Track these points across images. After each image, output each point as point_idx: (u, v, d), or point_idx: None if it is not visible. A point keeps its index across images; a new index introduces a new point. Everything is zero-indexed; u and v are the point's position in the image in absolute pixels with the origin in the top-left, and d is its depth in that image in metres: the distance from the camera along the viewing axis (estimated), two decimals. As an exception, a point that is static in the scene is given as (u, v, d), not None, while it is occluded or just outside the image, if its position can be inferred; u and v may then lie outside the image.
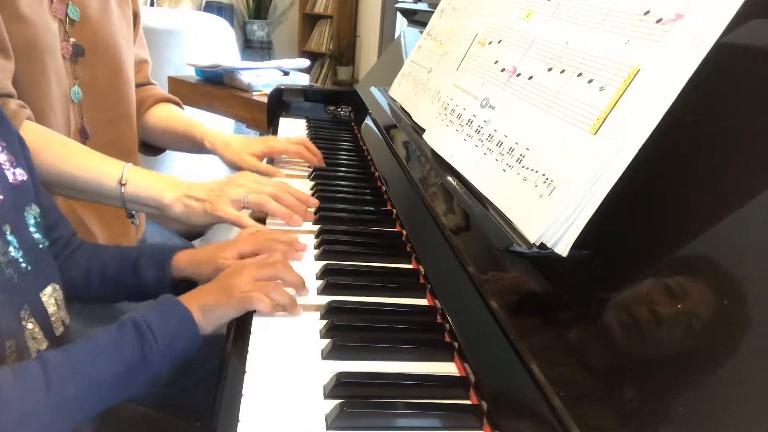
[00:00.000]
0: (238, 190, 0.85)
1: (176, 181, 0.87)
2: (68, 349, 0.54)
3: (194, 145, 1.13)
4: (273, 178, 0.99)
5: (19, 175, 0.64)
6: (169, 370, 0.59)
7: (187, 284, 0.74)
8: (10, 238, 0.59)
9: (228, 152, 1.07)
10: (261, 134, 1.61)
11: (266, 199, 0.85)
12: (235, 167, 1.07)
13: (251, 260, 0.66)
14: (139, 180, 0.86)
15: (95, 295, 0.77)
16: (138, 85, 1.15)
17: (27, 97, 0.87)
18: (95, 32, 1.00)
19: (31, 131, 0.83)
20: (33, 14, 0.87)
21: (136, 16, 1.14)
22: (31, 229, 0.64)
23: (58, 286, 0.66)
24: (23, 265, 0.60)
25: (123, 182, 0.84)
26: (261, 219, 0.88)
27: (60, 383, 0.51)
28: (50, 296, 0.64)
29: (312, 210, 0.89)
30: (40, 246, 0.64)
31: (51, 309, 0.63)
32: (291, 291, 0.64)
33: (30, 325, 0.60)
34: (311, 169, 1.09)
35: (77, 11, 0.96)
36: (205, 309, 0.60)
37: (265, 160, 1.11)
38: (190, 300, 0.61)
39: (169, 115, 1.19)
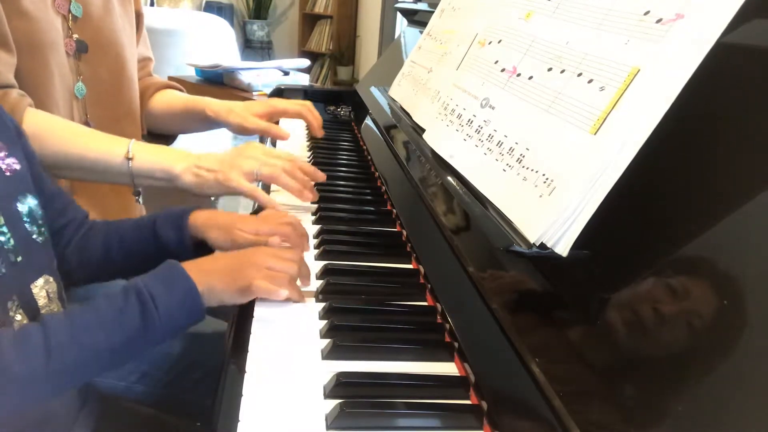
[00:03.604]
0: (250, 162, 0.85)
1: (185, 152, 0.87)
2: (70, 314, 0.54)
3: (198, 119, 1.13)
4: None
5: (13, 164, 0.64)
6: (170, 340, 0.59)
7: (207, 246, 0.74)
8: (1, 228, 0.59)
9: (232, 116, 1.07)
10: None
11: (279, 173, 0.85)
12: (240, 131, 1.08)
13: (268, 249, 0.65)
14: (146, 153, 0.86)
15: (118, 270, 0.76)
16: (139, 79, 1.15)
17: (30, 92, 0.87)
18: (98, 29, 1.00)
19: (34, 117, 0.84)
20: (36, 10, 0.88)
21: (139, 16, 1.15)
22: (24, 220, 0.63)
23: (51, 279, 0.65)
24: (13, 255, 0.60)
25: (130, 157, 0.85)
26: (265, 189, 0.88)
27: (60, 351, 0.51)
28: (41, 288, 0.64)
29: (312, 209, 0.89)
30: (34, 237, 0.64)
31: (41, 301, 0.63)
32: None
33: (18, 317, 0.59)
34: (311, 162, 1.09)
35: (80, 8, 0.96)
36: (212, 290, 0.60)
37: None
38: (199, 274, 0.59)
39: (170, 98, 1.19)
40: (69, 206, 0.76)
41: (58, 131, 0.85)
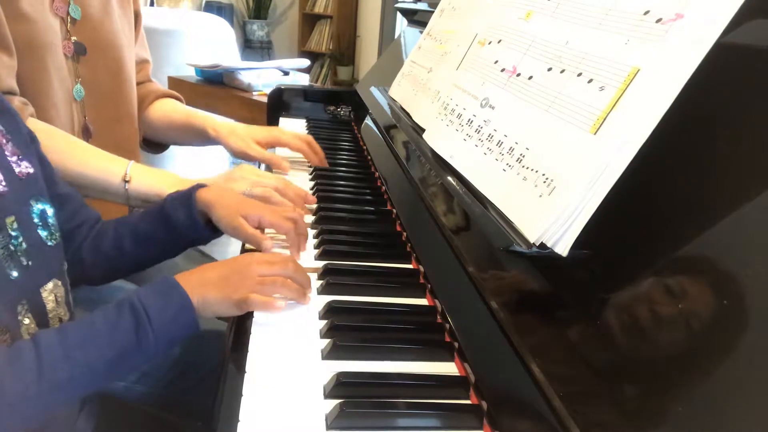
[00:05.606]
0: (241, 184, 0.86)
1: (180, 178, 0.88)
2: (63, 330, 0.54)
3: (197, 135, 1.13)
4: (275, 171, 1.00)
5: (25, 167, 0.64)
6: (163, 354, 0.59)
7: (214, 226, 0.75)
8: (13, 232, 0.59)
9: (233, 139, 1.07)
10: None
11: (271, 192, 0.86)
12: (242, 155, 1.07)
13: (260, 257, 0.65)
14: (143, 177, 0.86)
15: (133, 262, 0.77)
16: (138, 83, 1.15)
17: (30, 95, 0.87)
18: (96, 31, 1.00)
19: (35, 128, 0.83)
20: (34, 12, 0.88)
21: (137, 16, 1.14)
22: (37, 224, 0.64)
23: (60, 283, 0.66)
24: (24, 259, 0.60)
25: (127, 179, 0.85)
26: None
27: (52, 368, 0.51)
28: (50, 292, 0.64)
29: (312, 209, 0.89)
30: (45, 241, 0.64)
31: (50, 305, 0.63)
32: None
33: (26, 321, 0.59)
34: (312, 167, 1.09)
35: (78, 10, 0.96)
36: (207, 302, 0.60)
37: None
38: (193, 287, 0.59)
39: (171, 109, 1.19)
40: (81, 209, 0.76)
41: (58, 144, 0.85)
